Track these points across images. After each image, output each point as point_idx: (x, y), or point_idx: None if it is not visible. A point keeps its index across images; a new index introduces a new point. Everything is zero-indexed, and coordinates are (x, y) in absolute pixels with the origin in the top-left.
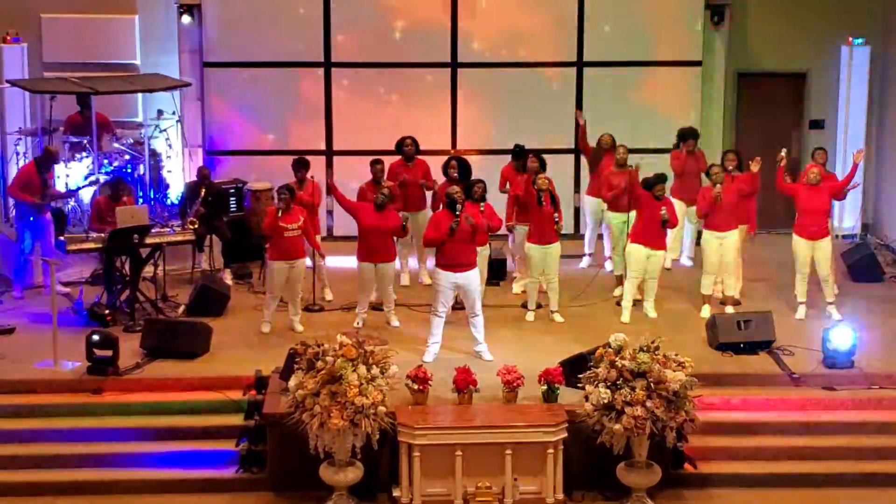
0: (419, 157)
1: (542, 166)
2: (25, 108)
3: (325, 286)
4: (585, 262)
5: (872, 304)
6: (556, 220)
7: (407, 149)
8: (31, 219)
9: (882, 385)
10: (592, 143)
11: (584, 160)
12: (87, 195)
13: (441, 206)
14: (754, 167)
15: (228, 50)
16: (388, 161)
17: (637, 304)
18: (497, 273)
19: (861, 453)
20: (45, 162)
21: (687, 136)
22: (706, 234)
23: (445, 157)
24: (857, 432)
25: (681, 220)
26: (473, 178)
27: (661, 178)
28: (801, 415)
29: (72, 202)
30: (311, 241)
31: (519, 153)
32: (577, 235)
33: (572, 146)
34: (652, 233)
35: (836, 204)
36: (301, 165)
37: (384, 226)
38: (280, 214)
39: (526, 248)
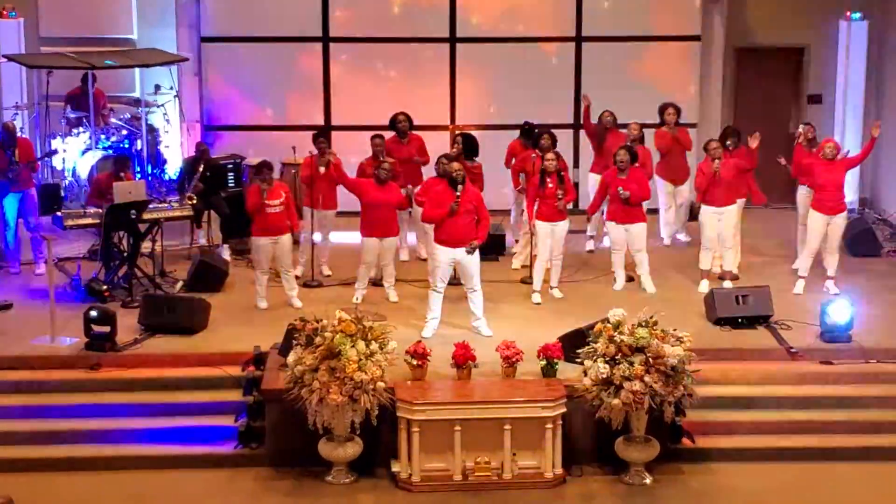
0: (414, 132)
1: (553, 143)
2: (22, 83)
3: (324, 262)
4: (591, 244)
5: (870, 278)
6: (560, 196)
7: (400, 125)
8: (8, 193)
9: (879, 359)
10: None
11: (583, 136)
12: (83, 171)
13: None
14: (753, 143)
15: (226, 24)
16: (387, 136)
17: (635, 279)
18: (496, 248)
19: (858, 427)
20: (6, 140)
21: (665, 106)
22: (704, 209)
23: (444, 133)
24: (855, 406)
25: (669, 198)
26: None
27: (621, 146)
28: (798, 389)
29: (69, 178)
30: (292, 216)
31: (528, 131)
32: (577, 211)
33: (571, 121)
34: (620, 209)
35: None
36: (323, 138)
37: (387, 200)
38: (265, 192)
39: (535, 225)
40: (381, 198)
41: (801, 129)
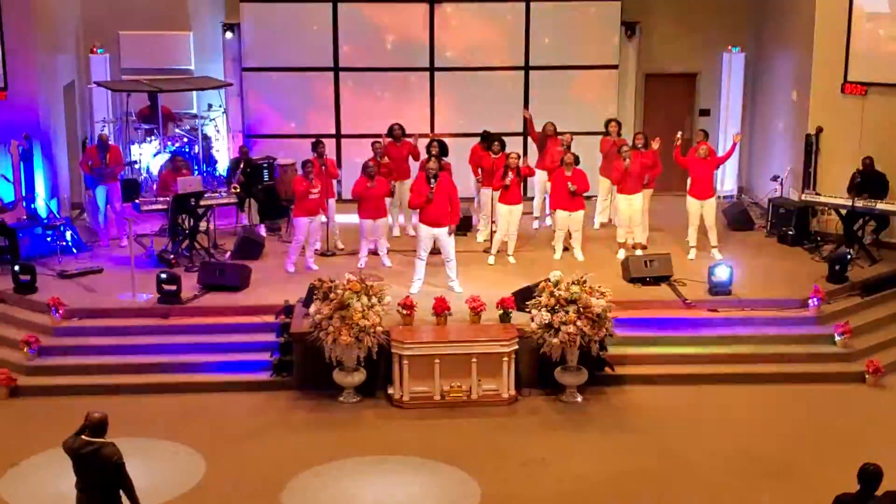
0: (405, 138)
1: (503, 147)
2: (108, 103)
3: (337, 238)
4: (536, 223)
5: (745, 247)
6: (506, 184)
7: (395, 132)
8: (99, 185)
9: (752, 308)
10: (539, 129)
11: (530, 141)
12: (155, 169)
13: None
14: (654, 145)
15: (261, 58)
16: (386, 141)
17: (570, 250)
18: (465, 226)
19: (736, 358)
20: (101, 146)
21: (609, 120)
22: (619, 196)
23: (427, 139)
24: (733, 343)
25: (606, 192)
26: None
27: (568, 152)
28: (691, 331)
29: (144, 174)
30: (323, 203)
31: (486, 136)
32: (527, 198)
33: (520, 130)
34: (565, 199)
35: (719, 172)
36: (320, 145)
37: (376, 192)
38: (313, 181)
39: (498, 208)
40: (372, 191)
41: (678, 135)
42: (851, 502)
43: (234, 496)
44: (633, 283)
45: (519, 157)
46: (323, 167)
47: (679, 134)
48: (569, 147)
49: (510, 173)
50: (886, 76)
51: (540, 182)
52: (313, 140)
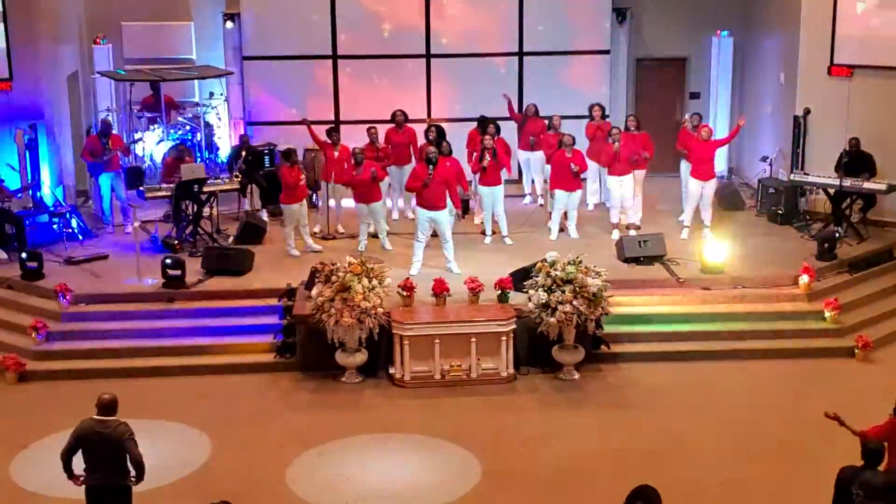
0: (408, 125)
1: (497, 130)
2: (111, 93)
3: (339, 221)
4: (528, 199)
5: (736, 226)
6: (483, 166)
7: (398, 118)
8: (103, 173)
9: (744, 285)
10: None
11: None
12: (158, 156)
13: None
14: (637, 131)
15: (261, 47)
16: (381, 128)
17: (565, 230)
18: (463, 209)
19: (729, 336)
20: (104, 132)
21: (592, 105)
22: (610, 178)
23: (424, 124)
24: (726, 321)
25: (594, 174)
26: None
27: (567, 134)
28: (684, 308)
29: (147, 162)
30: (304, 189)
31: (482, 121)
32: (519, 180)
33: None
34: (566, 179)
35: None
36: (336, 132)
37: (361, 178)
38: (302, 171)
39: (479, 189)
40: (358, 177)
41: (686, 117)
42: (858, 476)
43: (240, 475)
44: (628, 263)
45: (493, 140)
46: (336, 154)
47: (686, 116)
48: (556, 129)
49: (486, 155)
50: (872, 58)
51: (525, 162)
52: (328, 127)
